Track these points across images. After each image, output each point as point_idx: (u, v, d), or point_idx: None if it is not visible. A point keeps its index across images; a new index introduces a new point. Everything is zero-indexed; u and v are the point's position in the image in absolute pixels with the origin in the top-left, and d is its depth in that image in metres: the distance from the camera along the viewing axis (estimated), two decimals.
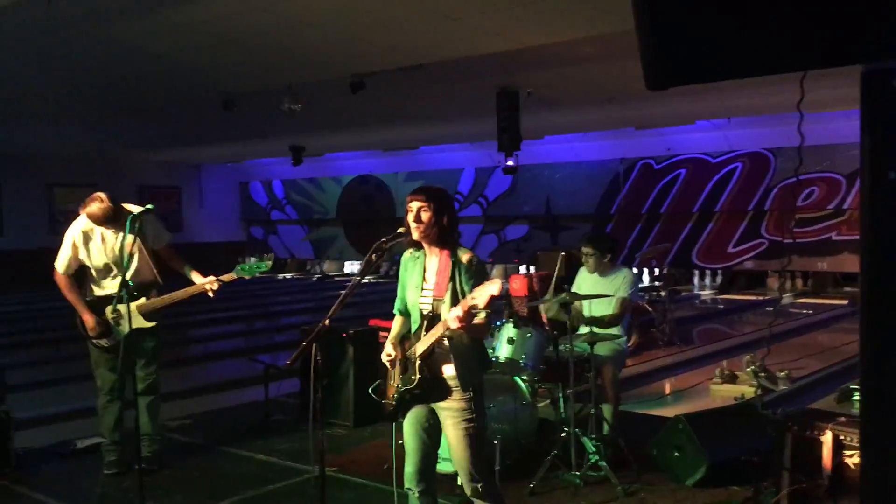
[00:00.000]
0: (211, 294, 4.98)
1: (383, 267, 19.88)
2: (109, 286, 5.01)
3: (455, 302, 3.26)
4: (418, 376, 3.33)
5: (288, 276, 22.39)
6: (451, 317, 3.13)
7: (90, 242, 4.98)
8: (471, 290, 3.20)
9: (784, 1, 0.79)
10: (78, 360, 5.72)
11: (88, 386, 5.49)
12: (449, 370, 3.34)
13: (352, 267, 22.38)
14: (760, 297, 15.35)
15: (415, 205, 3.37)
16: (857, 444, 3.54)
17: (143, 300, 4.93)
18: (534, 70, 9.38)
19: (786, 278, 15.45)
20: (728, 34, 0.82)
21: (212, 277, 4.97)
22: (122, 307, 4.77)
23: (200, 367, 9.76)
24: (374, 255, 3.30)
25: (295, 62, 8.62)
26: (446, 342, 3.29)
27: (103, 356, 5.04)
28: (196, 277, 5.09)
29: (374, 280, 18.76)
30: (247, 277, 4.94)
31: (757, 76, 0.95)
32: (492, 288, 3.02)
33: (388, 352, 3.54)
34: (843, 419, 3.83)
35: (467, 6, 6.73)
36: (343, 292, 3.21)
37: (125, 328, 4.69)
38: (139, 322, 4.84)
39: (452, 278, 3.34)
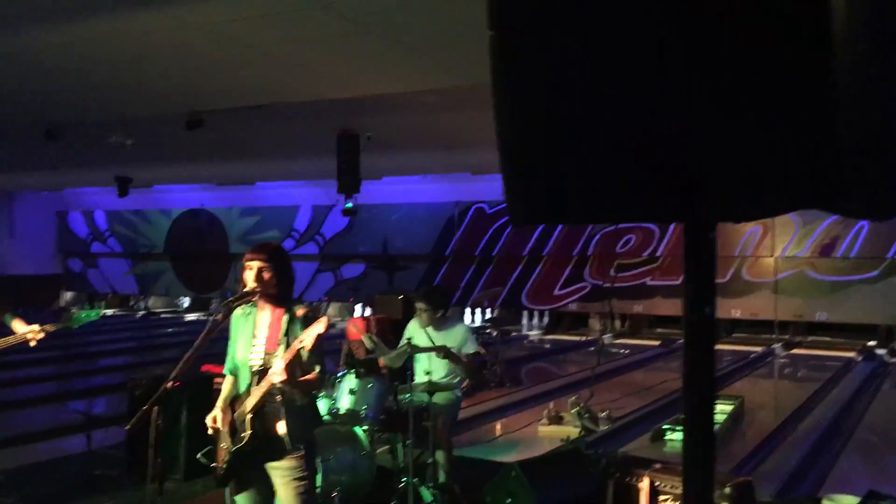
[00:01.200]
0: (33, 344, 4.66)
1: (213, 305, 19.31)
2: None
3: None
4: (248, 432, 3.28)
5: (108, 312, 21.14)
6: (274, 370, 3.17)
7: None
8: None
9: (623, 166, 0.95)
10: None
11: None
12: (281, 427, 3.33)
13: (180, 302, 21.51)
14: (583, 338, 16.23)
15: (255, 264, 3.37)
16: (671, 491, 3.88)
17: None
18: (375, 115, 9.58)
19: (605, 320, 16.43)
20: (577, 185, 0.96)
21: (35, 326, 4.64)
22: None
23: (10, 415, 9.01)
24: (220, 316, 3.26)
25: (129, 96, 8.32)
26: (278, 398, 3.29)
27: None
28: (18, 326, 4.73)
29: (204, 318, 18.11)
30: (73, 328, 4.67)
31: (599, 223, 1.12)
32: (318, 328, 3.11)
33: (215, 417, 3.42)
34: (658, 466, 4.17)
35: (312, 54, 6.81)
36: (187, 353, 3.13)
37: None
38: None
39: (287, 333, 3.35)
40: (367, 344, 5.61)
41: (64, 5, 5.65)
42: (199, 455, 3.49)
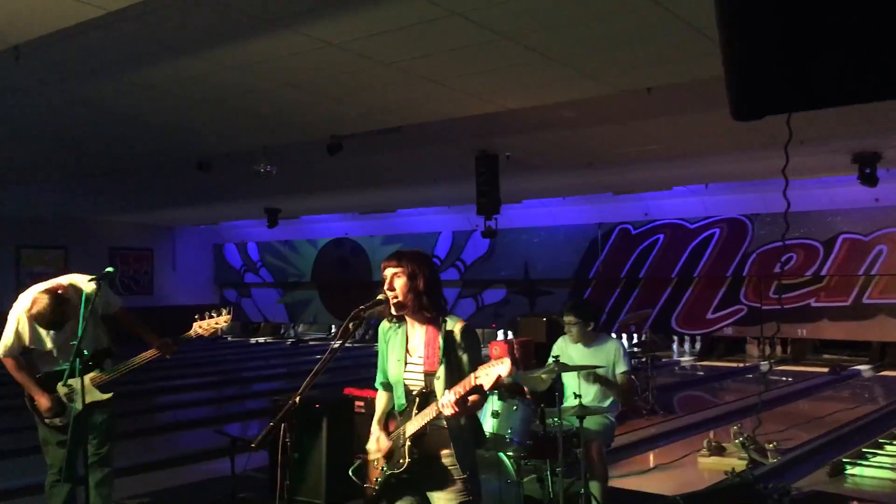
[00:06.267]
0: (167, 356, 4.67)
1: (359, 331, 19.59)
2: (60, 363, 4.66)
3: (452, 377, 2.99)
4: (408, 460, 3.04)
5: (261, 340, 21.94)
6: (445, 402, 2.89)
7: (38, 327, 4.64)
8: (470, 364, 2.97)
9: (880, 31, 0.63)
10: (32, 431, 5.33)
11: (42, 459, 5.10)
12: (446, 453, 3.06)
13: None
14: (740, 365, 15.19)
15: (388, 271, 3.10)
16: None
17: (96, 372, 4.59)
18: (513, 134, 9.34)
19: (765, 345, 15.32)
20: (822, 62, 0.65)
21: (167, 340, 4.65)
22: (74, 381, 4.43)
23: (165, 438, 9.32)
24: (350, 324, 3.04)
25: (272, 124, 8.49)
26: (442, 422, 3.00)
27: (53, 433, 4.67)
28: (154, 341, 4.78)
29: (349, 345, 18.38)
30: (205, 335, 4.63)
31: (851, 104, 0.81)
32: (501, 368, 2.78)
33: (380, 444, 3.16)
34: (854, 502, 3.59)
35: (448, 70, 6.65)
36: (317, 366, 2.94)
37: (79, 404, 4.37)
38: (94, 395, 4.51)
39: (446, 352, 3.05)
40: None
41: (204, 35, 5.75)
42: (350, 471, 3.31)
